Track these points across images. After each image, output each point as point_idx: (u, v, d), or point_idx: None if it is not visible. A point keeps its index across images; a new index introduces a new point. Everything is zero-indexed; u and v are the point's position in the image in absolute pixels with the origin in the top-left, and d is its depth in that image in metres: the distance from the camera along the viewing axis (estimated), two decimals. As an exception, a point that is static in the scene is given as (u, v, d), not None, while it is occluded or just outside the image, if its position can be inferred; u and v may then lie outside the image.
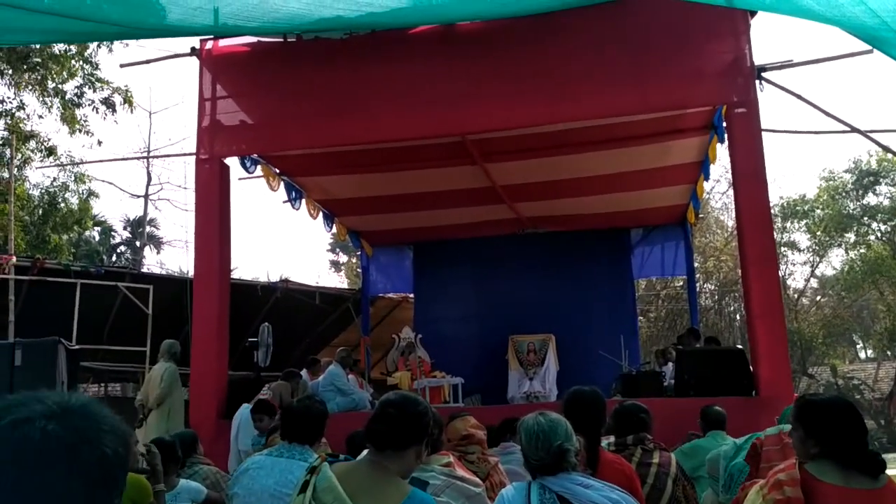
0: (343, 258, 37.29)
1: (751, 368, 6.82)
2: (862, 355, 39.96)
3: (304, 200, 10.37)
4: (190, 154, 8.69)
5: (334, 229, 11.96)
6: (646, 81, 7.02)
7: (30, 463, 0.99)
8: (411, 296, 13.69)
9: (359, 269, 16.07)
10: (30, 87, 15.65)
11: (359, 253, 14.01)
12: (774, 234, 7.96)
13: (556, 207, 11.07)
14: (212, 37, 7.70)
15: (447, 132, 7.92)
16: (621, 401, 3.89)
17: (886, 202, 26.79)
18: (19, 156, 15.63)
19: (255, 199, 54.33)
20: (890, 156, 23.31)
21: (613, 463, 3.08)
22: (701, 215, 15.10)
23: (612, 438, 3.58)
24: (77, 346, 8.32)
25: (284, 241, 62.13)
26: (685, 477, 3.47)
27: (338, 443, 4.79)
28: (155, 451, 3.95)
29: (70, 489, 1.01)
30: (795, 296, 28.77)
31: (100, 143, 28.12)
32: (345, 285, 29.20)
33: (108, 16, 5.95)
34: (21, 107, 16.04)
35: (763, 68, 6.98)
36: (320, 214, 11.00)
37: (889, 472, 2.51)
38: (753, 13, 6.95)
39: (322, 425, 3.49)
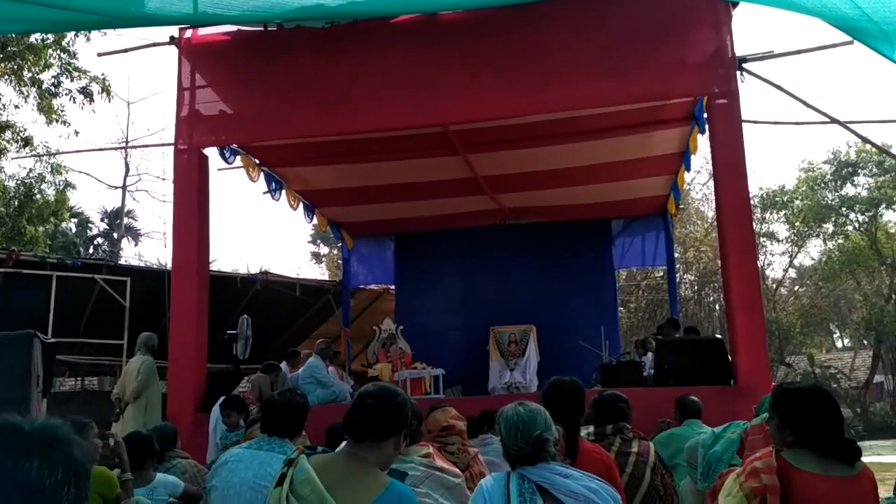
0: (324, 250, 37.17)
1: (729, 358, 6.87)
2: (839, 344, 40.53)
3: (284, 191, 10.31)
4: (168, 144, 8.61)
5: (315, 221, 11.90)
6: (628, 72, 7.03)
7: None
8: (392, 287, 13.66)
9: (340, 261, 16.00)
10: (5, 77, 15.38)
11: (339, 244, 13.94)
12: (754, 224, 8.03)
13: (537, 198, 11.08)
14: (190, 26, 7.61)
15: (429, 122, 7.89)
16: (601, 391, 3.89)
17: (864, 193, 27.12)
18: (-6, 146, 15.38)
19: (235, 190, 53.97)
20: (868, 147, 23.57)
21: (592, 452, 3.08)
22: (681, 206, 15.16)
23: (591, 428, 3.59)
24: (53, 340, 8.20)
25: (264, 232, 61.81)
26: (664, 466, 3.49)
27: (317, 435, 4.75)
28: (119, 441, 3.94)
29: None
30: (774, 286, 29.09)
31: (77, 133, 27.93)
32: (326, 277, 29.12)
33: (87, 5, 5.87)
34: (-4, 97, 15.78)
35: (744, 59, 7.02)
36: (300, 206, 10.94)
37: (865, 459, 2.53)
38: (735, 4, 6.97)
39: (303, 419, 3.47)
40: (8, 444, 1.04)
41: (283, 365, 8.83)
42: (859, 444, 2.55)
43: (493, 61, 7.25)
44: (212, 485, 3.29)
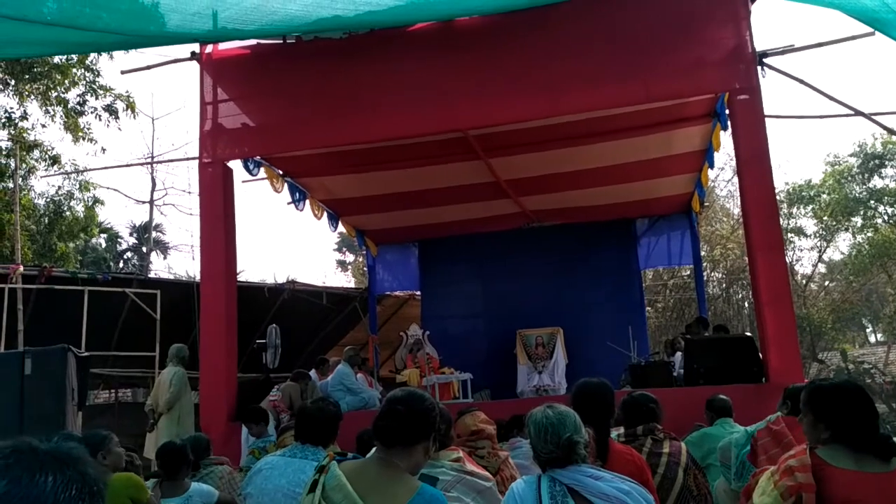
0: (350, 257, 37.34)
1: (760, 356, 6.79)
2: (872, 339, 39.82)
3: (308, 201, 10.38)
4: (193, 158, 8.73)
5: (340, 228, 11.98)
6: (647, 71, 7.00)
7: None
8: (418, 293, 13.69)
9: (365, 269, 16.07)
10: (33, 97, 15.69)
11: (364, 252, 14.02)
12: (780, 220, 7.94)
13: (560, 200, 11.05)
14: (211, 42, 7.71)
15: (449, 128, 7.91)
16: (630, 392, 3.87)
17: (893, 185, 26.66)
18: (24, 165, 15.68)
19: (261, 201, 54.47)
20: (895, 138, 23.19)
21: (624, 454, 3.07)
22: (706, 203, 15.03)
23: (621, 430, 3.57)
24: (86, 353, 8.34)
25: (290, 242, 62.21)
26: (696, 466, 3.46)
27: (348, 442, 4.79)
28: (134, 457, 4.08)
29: None
30: (804, 281, 28.65)
31: (104, 150, 27.96)
32: (352, 284, 29.24)
33: (108, 25, 5.98)
34: (24, 116, 16.10)
35: (765, 54, 6.95)
36: (325, 215, 11.02)
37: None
38: (753, -1, 6.92)
39: (335, 427, 3.51)
40: (24, 460, 1.08)
41: (313, 373, 8.89)
42: (895, 439, 2.52)
43: (512, 65, 7.26)
44: (246, 492, 3.33)
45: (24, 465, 1.07)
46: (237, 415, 6.37)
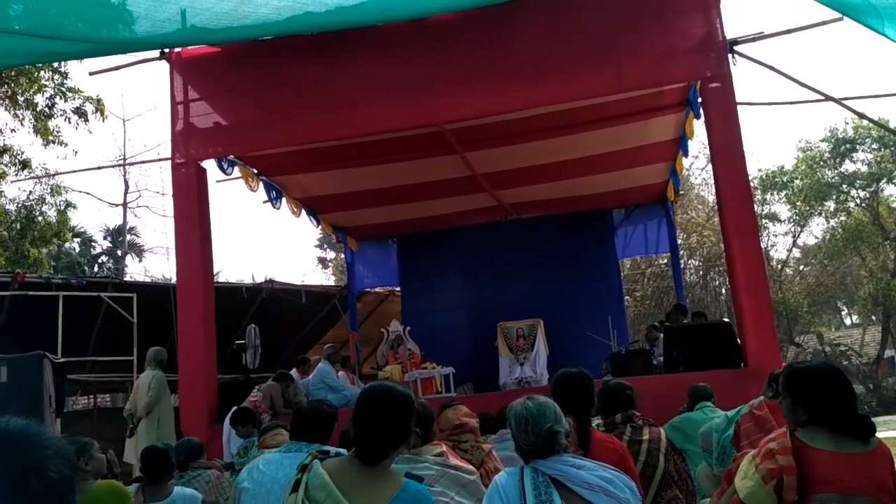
0: (331, 255, 37.20)
1: (738, 341, 6.86)
2: (847, 321, 40.43)
3: (284, 199, 10.31)
4: (166, 159, 8.62)
5: (321, 226, 11.93)
6: (619, 61, 7.03)
7: None
8: (397, 289, 13.67)
9: (344, 265, 16.02)
10: (0, 102, 15.42)
11: (344, 248, 13.97)
12: (755, 206, 8.02)
13: (537, 192, 11.07)
14: (181, 47, 7.63)
15: (423, 122, 7.89)
16: (607, 381, 3.89)
17: (864, 168, 27.05)
18: (-7, 171, 15.41)
19: (237, 200, 54.09)
20: (865, 122, 23.52)
21: (605, 442, 3.08)
22: (681, 192, 15.13)
23: (599, 419, 3.59)
24: (63, 359, 8.26)
25: (269, 241, 61.88)
26: (675, 451, 3.49)
27: (331, 440, 4.77)
28: (113, 462, 4.04)
29: None
30: (779, 266, 29.00)
31: (75, 153, 27.92)
32: (332, 282, 29.14)
33: (76, 33, 5.88)
34: (-8, 122, 15.82)
35: (735, 42, 7.00)
36: (303, 212, 10.95)
37: (879, 434, 2.53)
38: (723, -14, 6.95)
39: (330, 426, 3.53)
40: None
41: (294, 372, 8.85)
42: (873, 419, 2.55)
43: (485, 58, 7.25)
44: (243, 486, 3.32)
45: None
46: (232, 417, 6.32)
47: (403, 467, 2.82)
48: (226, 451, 6.56)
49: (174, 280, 8.51)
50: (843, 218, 27.74)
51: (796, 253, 31.98)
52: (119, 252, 30.73)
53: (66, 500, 1.07)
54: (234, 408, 6.63)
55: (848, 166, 27.34)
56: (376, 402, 2.34)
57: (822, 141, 27.67)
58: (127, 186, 26.65)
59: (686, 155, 10.29)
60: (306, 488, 2.24)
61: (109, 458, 4.29)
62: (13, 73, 14.70)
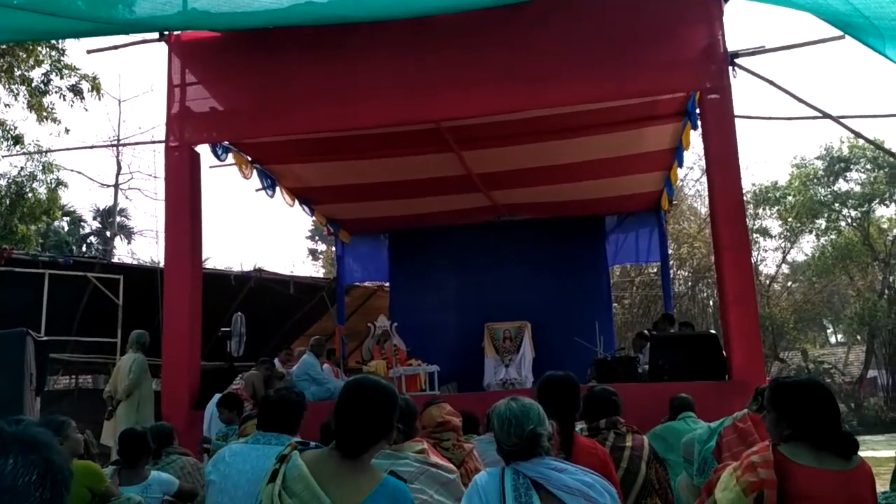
0: (322, 247, 37.10)
1: (724, 353, 6.87)
2: (832, 340, 40.65)
3: (278, 188, 10.27)
4: (160, 142, 8.56)
5: (315, 217, 11.90)
6: (620, 68, 7.02)
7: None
8: (386, 285, 13.64)
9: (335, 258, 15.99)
10: (-5, 75, 15.28)
11: (335, 241, 13.93)
12: (747, 220, 8.03)
13: (531, 195, 11.07)
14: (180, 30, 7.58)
15: (422, 118, 7.86)
16: (592, 386, 3.89)
17: (857, 188, 27.19)
18: (-15, 145, 15.29)
19: (230, 186, 53.88)
20: (861, 142, 23.64)
21: (588, 447, 3.07)
22: (675, 202, 15.16)
23: (583, 424, 3.58)
24: (46, 338, 8.16)
25: (260, 229, 61.68)
26: (657, 459, 3.48)
27: (312, 432, 4.74)
28: (91, 443, 4.01)
29: None
30: (767, 281, 29.14)
31: (67, 131, 27.55)
32: (321, 274, 29.06)
33: (75, 10, 5.82)
34: (-13, 95, 15.67)
35: (736, 54, 7.00)
36: (296, 202, 10.91)
37: (860, 453, 2.53)
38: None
39: (299, 415, 3.45)
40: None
41: (276, 361, 8.80)
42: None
43: (486, 58, 7.23)
44: (210, 479, 3.28)
45: None
46: (220, 399, 6.28)
47: (384, 462, 2.80)
48: (206, 432, 6.54)
49: (162, 264, 8.46)
50: (833, 236, 27.89)
51: (785, 269, 32.15)
52: (108, 233, 30.56)
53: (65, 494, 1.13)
54: (218, 394, 6.59)
55: (841, 185, 27.51)
56: (360, 394, 2.31)
57: (816, 158, 27.84)
58: (119, 168, 26.52)
59: (681, 165, 10.30)
60: (284, 479, 2.21)
61: (87, 438, 4.26)
62: (10, 47, 14.58)
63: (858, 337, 31.18)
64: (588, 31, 7.20)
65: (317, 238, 37.39)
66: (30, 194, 17.71)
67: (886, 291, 26.85)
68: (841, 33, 6.08)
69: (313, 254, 39.04)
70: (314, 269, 35.82)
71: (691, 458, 4.41)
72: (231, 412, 6.10)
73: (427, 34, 7.30)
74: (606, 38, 7.13)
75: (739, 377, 6.34)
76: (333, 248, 17.04)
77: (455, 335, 11.78)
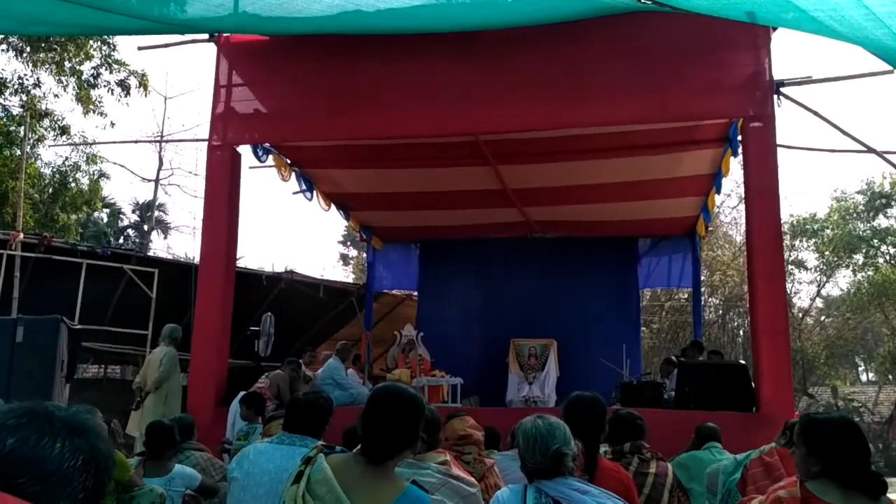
0: (353, 252, 37.25)
1: (752, 384, 6.78)
2: (864, 378, 39.74)
3: (315, 192, 10.37)
4: (203, 140, 8.71)
5: (350, 222, 12.01)
6: (663, 90, 6.99)
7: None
8: (415, 294, 13.67)
9: (365, 265, 16.07)
10: (46, 66, 15.68)
11: (367, 247, 14.01)
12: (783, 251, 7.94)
13: (565, 213, 11.04)
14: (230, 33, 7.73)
15: (461, 131, 7.90)
16: (617, 409, 3.86)
17: (897, 225, 26.64)
18: (33, 134, 15.66)
19: (267, 188, 54.43)
20: (903, 179, 23.18)
21: (611, 470, 3.05)
22: (710, 228, 15.01)
23: (607, 446, 3.55)
24: (79, 326, 8.32)
25: (293, 232, 62.13)
26: (680, 488, 3.45)
27: (335, 437, 4.76)
28: (117, 432, 4.05)
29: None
30: (800, 315, 28.61)
31: (113, 124, 28.19)
32: (351, 279, 29.19)
33: (128, 8, 5.97)
34: (37, 84, 16.09)
35: (782, 83, 6.94)
36: (332, 206, 11.01)
37: (889, 495, 2.48)
38: (775, 27, 6.91)
39: (325, 419, 3.49)
40: (36, 423, 1.09)
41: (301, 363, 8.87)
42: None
43: (529, 73, 7.25)
44: (233, 476, 3.31)
45: (35, 427, 1.08)
46: (243, 397, 6.34)
47: (406, 471, 2.80)
48: (229, 434, 6.59)
49: (197, 260, 8.58)
50: (870, 273, 27.30)
51: (819, 303, 31.54)
52: (146, 227, 31.06)
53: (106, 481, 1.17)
54: (243, 392, 6.65)
55: (881, 221, 26.94)
56: (388, 401, 2.32)
57: (857, 192, 27.31)
58: (161, 163, 26.96)
59: (719, 192, 10.21)
60: (308, 481, 2.23)
61: (114, 427, 4.31)
62: (63, 40, 14.95)
63: (890, 377, 30.45)
64: (632, 51, 7.18)
65: (348, 243, 37.58)
66: (73, 184, 18.11)
67: (922, 332, 26.22)
68: (890, 68, 6.00)
69: (344, 259, 39.23)
70: (344, 274, 35.96)
71: (715, 490, 4.35)
72: (250, 410, 6.14)
73: (471, 47, 7.34)
74: (651, 60, 7.10)
75: (767, 410, 6.25)
76: (365, 254, 17.13)
77: (480, 349, 11.76)
